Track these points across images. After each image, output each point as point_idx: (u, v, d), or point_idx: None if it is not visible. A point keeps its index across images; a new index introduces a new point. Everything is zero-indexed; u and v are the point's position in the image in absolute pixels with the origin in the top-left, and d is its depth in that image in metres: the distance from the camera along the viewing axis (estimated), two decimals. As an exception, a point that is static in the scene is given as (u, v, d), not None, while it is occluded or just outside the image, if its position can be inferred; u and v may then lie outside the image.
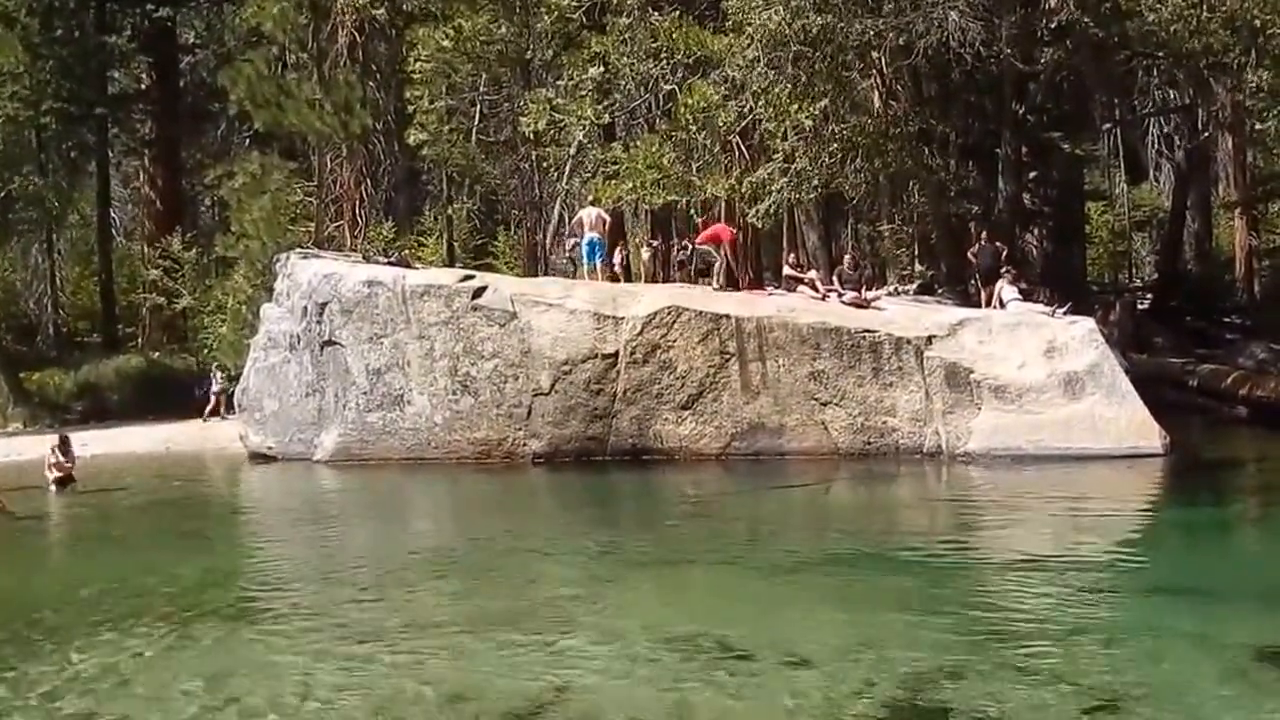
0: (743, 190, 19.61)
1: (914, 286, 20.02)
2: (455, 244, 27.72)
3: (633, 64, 20.86)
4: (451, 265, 23.06)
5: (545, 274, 23.38)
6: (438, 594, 9.04)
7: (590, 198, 21.68)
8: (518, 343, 16.47)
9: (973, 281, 19.11)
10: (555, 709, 6.08)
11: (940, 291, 19.58)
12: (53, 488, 15.52)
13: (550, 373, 16.28)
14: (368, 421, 17.25)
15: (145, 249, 30.65)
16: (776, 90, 18.39)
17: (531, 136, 22.68)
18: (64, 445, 16.18)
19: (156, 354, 28.63)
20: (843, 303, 16.94)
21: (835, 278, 18.29)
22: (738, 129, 19.80)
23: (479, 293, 16.92)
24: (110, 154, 32.22)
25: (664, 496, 14.39)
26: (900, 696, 6.06)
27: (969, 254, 19.05)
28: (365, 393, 17.26)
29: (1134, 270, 34.05)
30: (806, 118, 18.21)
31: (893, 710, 5.90)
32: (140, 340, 30.49)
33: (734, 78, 18.99)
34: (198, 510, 15.02)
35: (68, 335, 31.67)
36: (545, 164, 24.59)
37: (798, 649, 6.87)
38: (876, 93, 20.40)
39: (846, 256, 19.72)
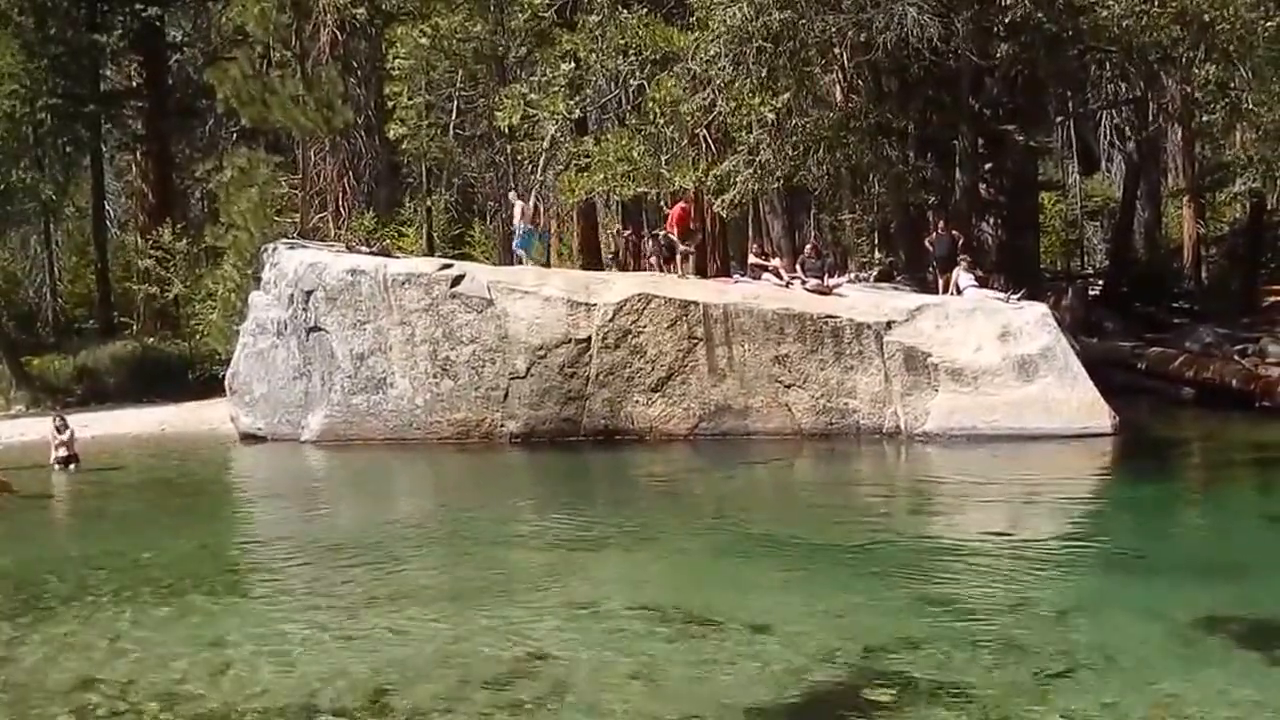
0: (709, 182, 20.27)
1: (874, 274, 20.71)
2: (434, 234, 28.29)
3: (603, 60, 21.38)
4: (431, 254, 23.58)
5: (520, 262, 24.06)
6: (419, 566, 9.38)
7: (520, 190, 22.43)
8: (495, 328, 17.11)
9: (931, 269, 19.79)
10: (533, 675, 6.34)
11: (899, 278, 20.24)
12: (56, 466, 16.10)
13: (526, 357, 16.95)
14: (352, 404, 17.88)
15: (138, 239, 31.06)
16: (740, 84, 19.00)
17: (506, 131, 23.22)
18: (61, 425, 16.60)
19: (151, 340, 29.09)
20: (806, 290, 17.50)
21: (799, 266, 18.83)
22: (704, 122, 20.42)
23: (457, 281, 17.52)
24: (103, 149, 32.51)
25: (634, 475, 14.89)
26: (861, 663, 6.33)
27: (927, 242, 19.74)
28: (350, 376, 17.88)
29: (1086, 258, 34.76)
30: (770, 111, 18.83)
31: (854, 673, 6.19)
32: (135, 327, 30.96)
33: (698, 73, 19.58)
34: (192, 488, 15.60)
35: (66, 322, 32.08)
36: (520, 157, 25.15)
37: (762, 619, 7.14)
38: (838, 87, 21.06)
39: (809, 245, 20.29)
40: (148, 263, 28.86)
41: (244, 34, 26.33)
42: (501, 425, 17.13)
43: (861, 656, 6.45)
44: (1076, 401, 15.47)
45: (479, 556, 9.65)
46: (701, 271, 20.91)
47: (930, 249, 19.51)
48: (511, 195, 22.36)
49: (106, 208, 33.35)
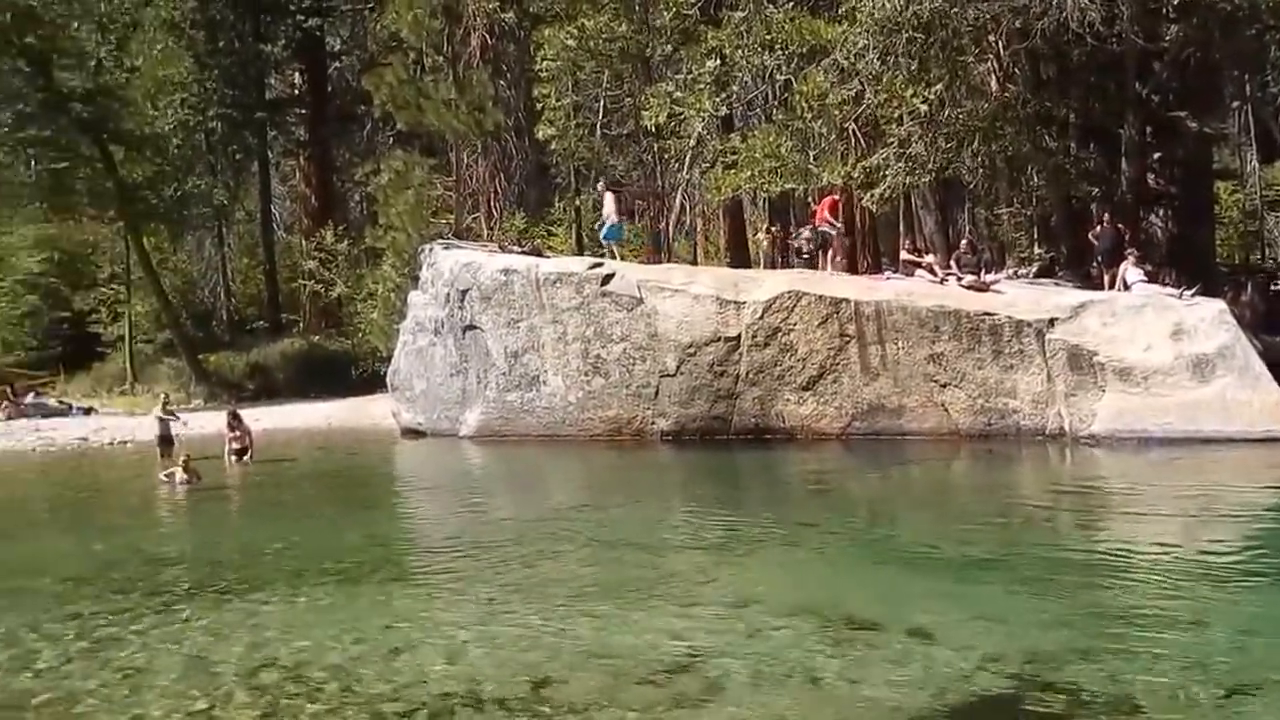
0: (858, 176, 19.88)
1: (1033, 269, 19.89)
2: (583, 233, 28.83)
3: (748, 56, 21.23)
4: (580, 254, 24.05)
5: (669, 261, 24.23)
6: (574, 562, 9.55)
7: (608, 181, 22.51)
8: (645, 326, 17.30)
9: (1094, 264, 18.91)
10: (689, 673, 6.30)
11: (1060, 275, 19.43)
12: (232, 458, 17.17)
13: (676, 355, 17.07)
14: (507, 400, 18.40)
15: (303, 241, 32.89)
16: (890, 76, 18.57)
17: (653, 129, 23.36)
18: (235, 419, 17.71)
19: (316, 338, 30.83)
20: (961, 286, 17.05)
21: (953, 262, 18.38)
22: (852, 116, 20.02)
23: (607, 279, 17.79)
24: (270, 155, 34.62)
25: (786, 474, 14.81)
26: (1028, 672, 6.08)
27: (1090, 236, 18.84)
28: (504, 373, 18.41)
29: (1266, 251, 32.38)
30: (921, 102, 18.34)
31: (1021, 683, 5.95)
32: (301, 325, 32.79)
33: (846, 65, 19.20)
34: (357, 480, 16.42)
35: (239, 321, 34.24)
36: (666, 155, 25.30)
37: (922, 623, 6.94)
38: (993, 76, 20.28)
39: (964, 240, 19.75)
40: (312, 264, 30.51)
41: (398, 40, 27.48)
42: (652, 423, 17.30)
43: (1028, 665, 6.21)
44: (1259, 404, 14.62)
45: (632, 553, 9.71)
46: (852, 268, 20.55)
47: (1094, 243, 18.64)
48: (600, 185, 22.67)
49: (273, 211, 35.34)
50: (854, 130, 20.82)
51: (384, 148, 31.67)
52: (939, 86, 18.60)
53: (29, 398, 28.73)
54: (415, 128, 26.52)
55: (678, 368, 17.10)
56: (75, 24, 27.57)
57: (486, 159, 30.32)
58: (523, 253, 19.93)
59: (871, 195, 19.85)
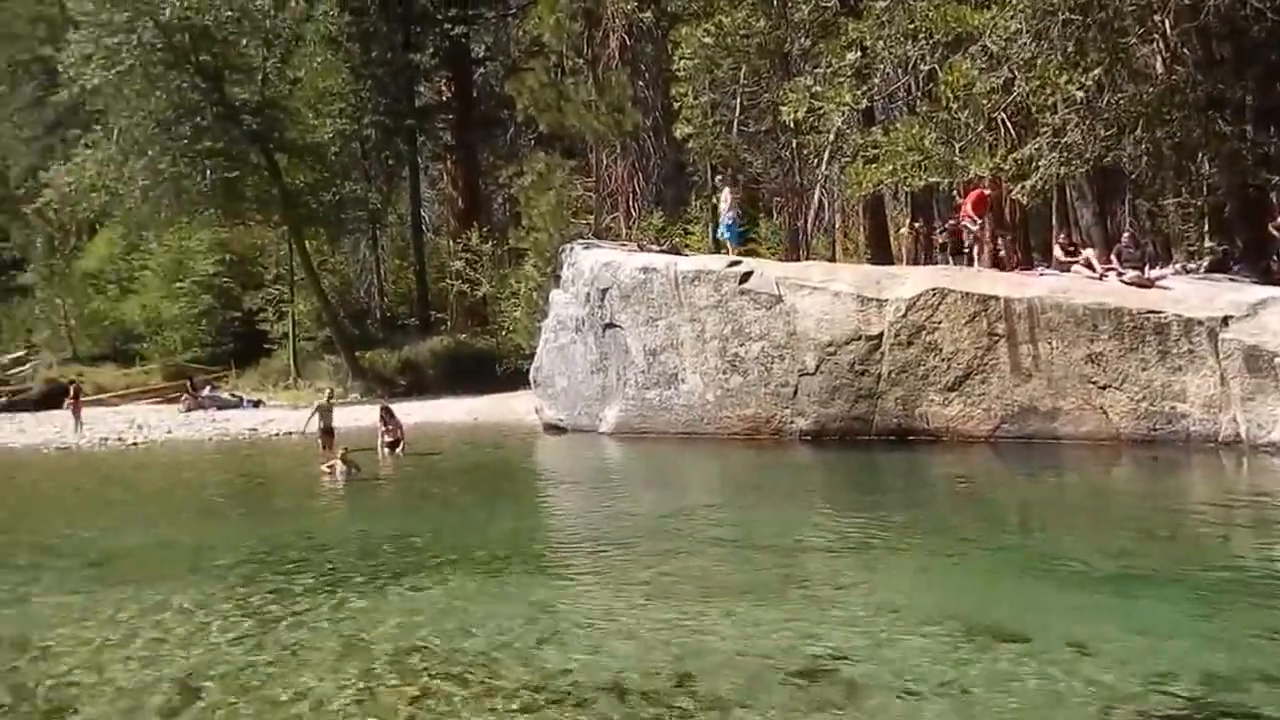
0: (1008, 168, 19.08)
1: (1204, 264, 18.67)
2: (746, 232, 28.71)
3: (890, 46, 20.69)
4: (717, 252, 24.05)
5: (807, 258, 23.92)
6: (713, 560, 9.53)
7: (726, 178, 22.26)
8: (783, 325, 17.13)
9: (1275, 258, 17.61)
10: (831, 676, 6.22)
11: (1236, 269, 18.13)
12: (384, 450, 17.92)
13: (815, 354, 16.83)
14: (646, 398, 18.56)
15: (450, 242, 34.08)
16: (1043, 61, 17.72)
17: (791, 125, 23.12)
18: (388, 414, 18.55)
19: (462, 335, 31.94)
20: (1123, 282, 16.12)
21: (1114, 256, 17.39)
22: (1002, 105, 19.21)
23: (746, 277, 17.70)
24: (419, 160, 35.99)
25: (931, 477, 14.36)
26: (1201, 694, 5.73)
27: (1271, 228, 17.55)
28: (643, 371, 18.57)
29: None
30: (1077, 88, 17.42)
31: (1193, 705, 5.61)
32: (449, 323, 33.99)
33: (995, 52, 18.44)
34: (502, 473, 16.90)
35: (391, 319, 35.75)
36: (805, 151, 24.98)
37: (1079, 637, 6.62)
38: (1158, 57, 19.01)
39: (1126, 233, 18.71)
40: (458, 264, 31.59)
41: (540, 45, 28.12)
42: (791, 422, 17.12)
43: (1203, 687, 5.82)
44: None
45: (770, 553, 9.63)
46: (999, 264, 19.77)
47: (1276, 235, 17.32)
48: (719, 180, 22.55)
49: (422, 214, 36.69)
50: (1003, 120, 19.99)
51: (526, 151, 32.49)
52: (1097, 71, 17.60)
53: (206, 391, 30.95)
54: (556, 130, 27.10)
55: (817, 366, 16.85)
56: (244, 40, 29.29)
57: (625, 159, 30.70)
58: (661, 251, 20.05)
59: (1023, 187, 18.99)
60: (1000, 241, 20.13)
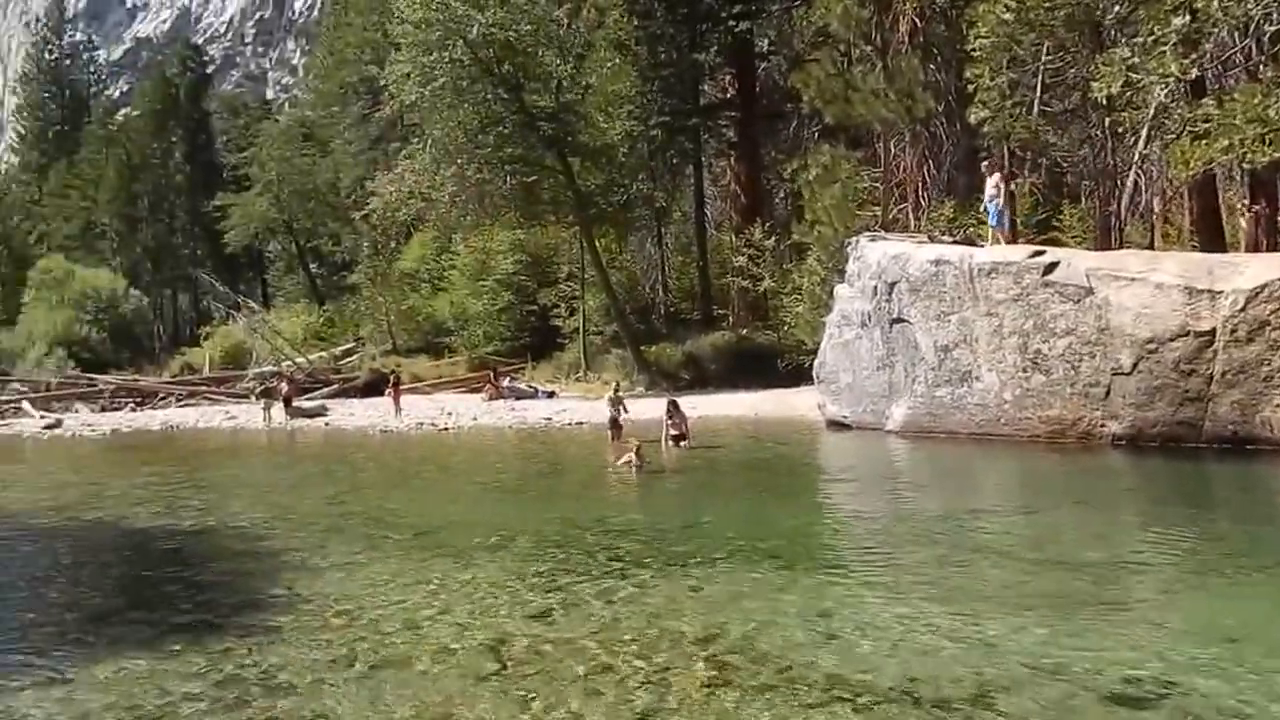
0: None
1: None
2: (1017, 219, 26.99)
3: (1226, 6, 18.46)
4: (1014, 241, 22.57)
5: (1120, 247, 21.88)
6: (1011, 569, 8.95)
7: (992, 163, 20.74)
8: (1094, 319, 15.78)
9: None
10: (1154, 702, 5.78)
11: None
12: (669, 443, 18.35)
13: (1132, 351, 15.37)
14: (936, 396, 17.76)
15: (732, 238, 34.38)
16: None
17: (1103, 101, 21.19)
18: (673, 408, 18.96)
19: (744, 330, 32.20)
20: None
21: None
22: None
23: (1051, 268, 16.48)
24: (702, 157, 36.64)
25: (1274, 490, 12.77)
26: None
27: None
28: (933, 368, 17.79)
29: None
30: None
31: None
32: (730, 318, 34.39)
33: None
34: (786, 468, 16.77)
35: (674, 314, 36.72)
36: (1119, 130, 22.81)
37: None
38: None
39: None
40: (741, 259, 31.76)
41: (825, 35, 27.61)
42: (1101, 425, 15.75)
43: None
44: None
45: (1077, 565, 8.92)
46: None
47: None
48: (985, 167, 20.82)
49: (705, 210, 37.25)
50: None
51: (810, 144, 32.07)
52: None
53: (506, 382, 33.31)
54: (843, 120, 26.51)
55: (1134, 365, 15.34)
56: (541, 51, 31.06)
57: (914, 147, 29.50)
58: (954, 242, 19.10)
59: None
60: None
